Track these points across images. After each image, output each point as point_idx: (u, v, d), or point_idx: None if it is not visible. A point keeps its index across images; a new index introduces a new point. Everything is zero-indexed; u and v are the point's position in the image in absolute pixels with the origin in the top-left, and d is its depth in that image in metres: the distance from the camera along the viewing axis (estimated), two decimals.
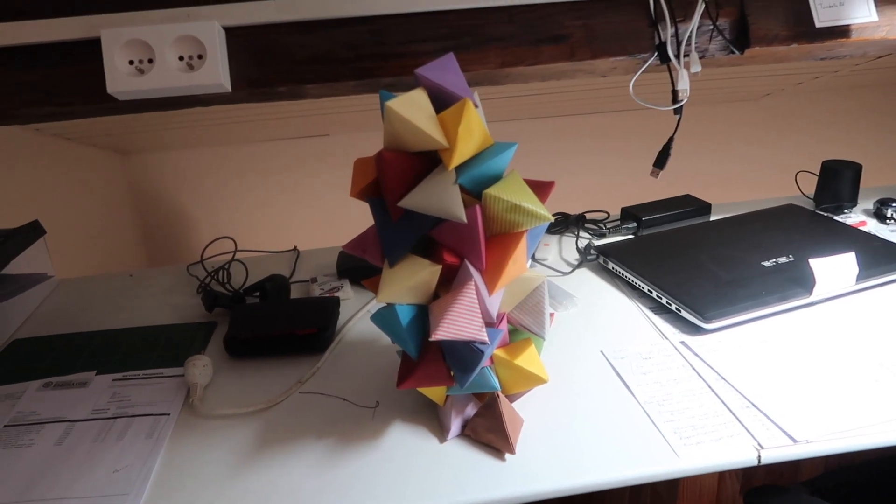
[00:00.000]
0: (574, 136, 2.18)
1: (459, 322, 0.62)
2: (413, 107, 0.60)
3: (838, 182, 1.21)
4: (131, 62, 0.75)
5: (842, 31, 0.85)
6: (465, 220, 0.61)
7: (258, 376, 0.84)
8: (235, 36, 0.80)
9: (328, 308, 0.93)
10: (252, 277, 1.09)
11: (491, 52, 0.82)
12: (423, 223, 0.65)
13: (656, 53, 0.85)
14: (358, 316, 0.97)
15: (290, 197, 2.16)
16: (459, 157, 0.60)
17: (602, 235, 1.20)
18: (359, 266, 1.07)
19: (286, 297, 1.04)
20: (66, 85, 0.81)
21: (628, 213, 1.22)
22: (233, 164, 2.10)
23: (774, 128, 2.26)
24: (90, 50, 0.78)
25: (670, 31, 0.84)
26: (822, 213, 1.20)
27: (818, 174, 1.24)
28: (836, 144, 2.28)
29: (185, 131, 1.85)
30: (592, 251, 1.10)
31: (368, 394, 0.79)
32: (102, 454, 0.72)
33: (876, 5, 0.85)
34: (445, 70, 0.64)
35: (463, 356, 0.65)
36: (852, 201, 1.21)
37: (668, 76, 0.86)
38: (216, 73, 0.74)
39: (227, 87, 0.77)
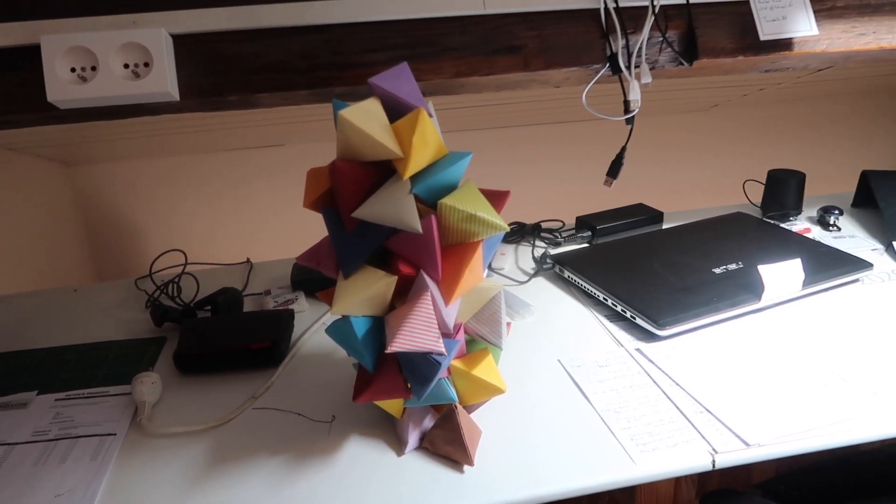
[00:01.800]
0: (529, 146, 2.20)
1: (416, 333, 0.61)
2: (367, 116, 0.59)
3: (783, 190, 1.24)
4: (73, 70, 0.73)
5: (785, 45, 0.87)
6: (420, 230, 0.61)
7: (209, 392, 0.82)
8: (184, 44, 0.78)
9: (282, 321, 0.92)
10: (203, 291, 1.07)
11: (445, 63, 0.82)
12: (378, 234, 0.64)
13: (608, 64, 0.86)
14: (313, 328, 0.96)
15: (244, 208, 2.12)
16: (414, 166, 0.60)
17: (557, 244, 1.21)
18: (314, 278, 1.06)
19: (239, 310, 1.01)
20: (5, 93, 0.78)
21: (583, 222, 1.23)
22: (186, 175, 2.05)
23: (723, 138, 2.33)
24: (31, 57, 0.75)
25: (621, 42, 0.85)
26: (768, 220, 1.23)
27: (764, 183, 1.28)
28: (782, 153, 2.35)
29: (135, 141, 1.80)
30: (548, 260, 1.11)
31: (324, 408, 0.78)
32: (44, 478, 0.68)
33: (816, 20, 0.88)
34: (399, 79, 0.63)
35: (420, 368, 0.64)
36: (797, 209, 1.25)
37: (620, 87, 0.88)
38: (163, 82, 0.72)
39: (175, 95, 0.75)
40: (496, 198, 0.66)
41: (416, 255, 0.64)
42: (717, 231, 1.15)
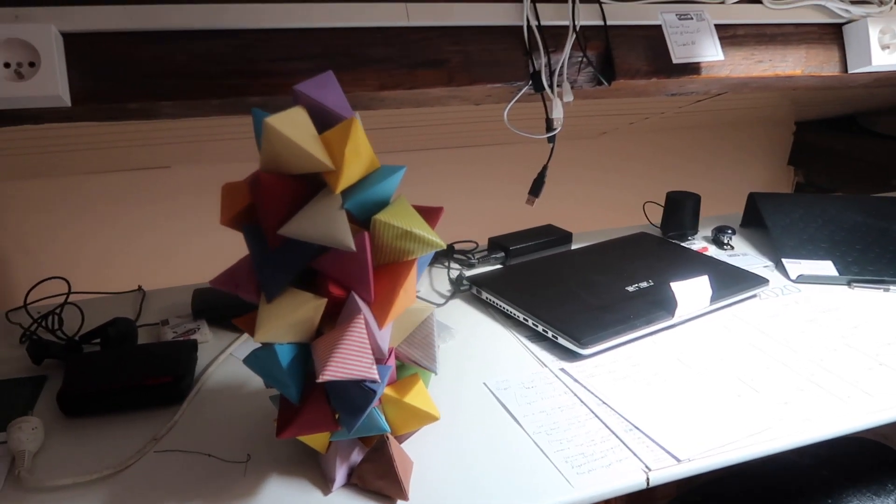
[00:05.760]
0: (439, 168, 2.18)
1: (349, 360, 0.57)
2: (294, 125, 0.54)
3: (681, 211, 1.29)
4: None
5: (694, 68, 0.91)
6: (353, 248, 0.57)
7: (103, 437, 0.72)
8: (77, 44, 0.69)
9: (184, 353, 0.83)
10: (90, 323, 0.95)
11: (368, 74, 0.79)
12: (304, 253, 0.59)
13: (531, 82, 0.86)
14: (220, 360, 0.88)
15: (135, 233, 1.96)
16: (347, 179, 0.56)
17: (471, 266, 1.19)
18: (218, 304, 0.97)
19: (133, 342, 0.91)
20: None
21: (495, 244, 1.22)
22: (72, 197, 1.86)
23: (617, 162, 2.43)
24: None
25: (543, 60, 0.86)
26: (669, 240, 1.28)
27: (663, 205, 1.33)
28: (674, 176, 2.48)
29: (13, 159, 1.61)
30: (465, 282, 1.08)
31: (237, 446, 0.71)
32: None
33: (721, 47, 0.92)
34: (326, 88, 0.59)
35: (352, 398, 0.60)
36: (693, 229, 1.31)
37: (543, 106, 0.88)
38: (52, 84, 0.63)
39: (67, 100, 0.67)
40: (429, 214, 0.63)
41: (347, 275, 0.59)
42: (625, 251, 1.18)
